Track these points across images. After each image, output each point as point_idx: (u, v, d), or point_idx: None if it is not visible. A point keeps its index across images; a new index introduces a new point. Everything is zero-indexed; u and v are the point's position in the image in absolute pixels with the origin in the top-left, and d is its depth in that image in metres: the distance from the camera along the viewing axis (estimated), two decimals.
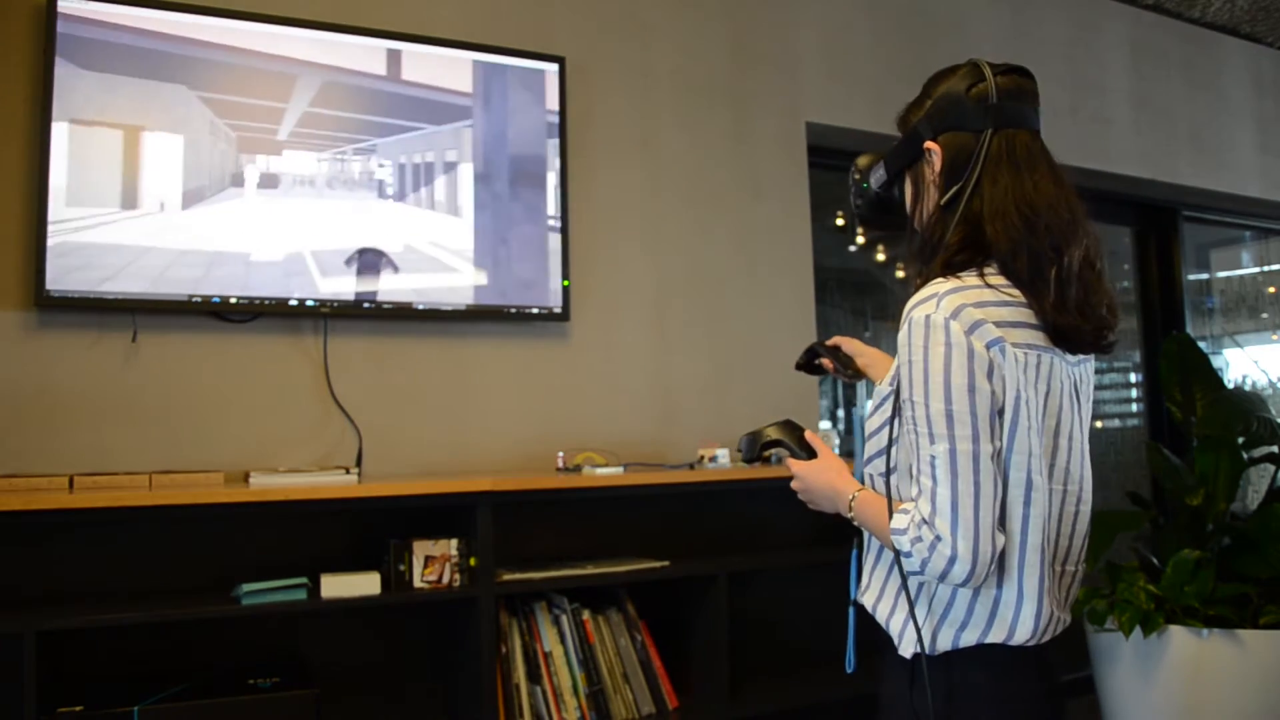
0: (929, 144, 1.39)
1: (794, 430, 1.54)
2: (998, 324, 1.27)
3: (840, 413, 3.92)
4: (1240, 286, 5.27)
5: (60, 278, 2.28)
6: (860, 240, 4.07)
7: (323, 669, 2.35)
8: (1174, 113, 4.50)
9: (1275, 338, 5.28)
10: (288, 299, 2.51)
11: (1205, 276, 5.11)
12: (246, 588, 2.12)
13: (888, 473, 1.34)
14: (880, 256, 4.11)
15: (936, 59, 1.53)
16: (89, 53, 2.33)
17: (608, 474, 2.57)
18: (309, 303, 2.54)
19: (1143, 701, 2.89)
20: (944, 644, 1.32)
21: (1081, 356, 1.37)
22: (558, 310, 2.85)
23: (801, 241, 3.39)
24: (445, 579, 2.29)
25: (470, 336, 2.80)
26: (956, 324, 1.26)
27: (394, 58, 2.69)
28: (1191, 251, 4.77)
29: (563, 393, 2.91)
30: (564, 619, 2.50)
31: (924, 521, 1.24)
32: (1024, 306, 1.30)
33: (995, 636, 1.31)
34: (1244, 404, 3.22)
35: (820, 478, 1.45)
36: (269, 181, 2.52)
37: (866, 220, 1.56)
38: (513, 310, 2.80)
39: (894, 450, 1.33)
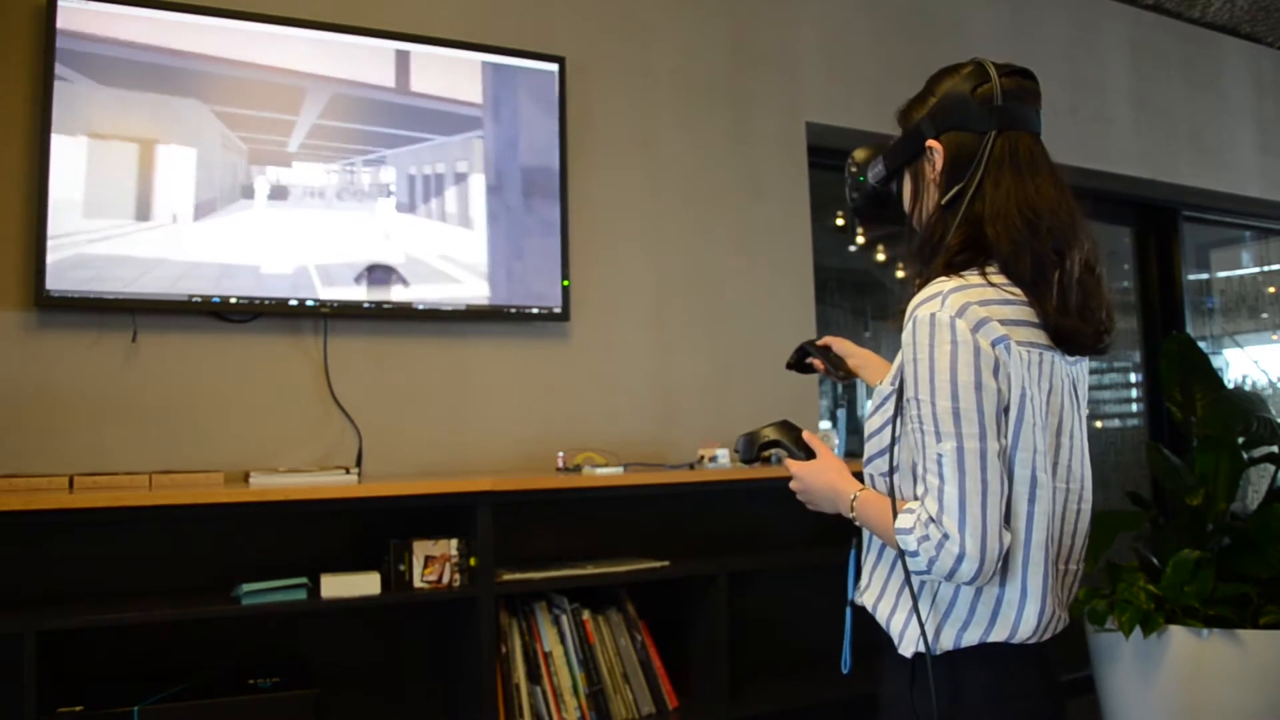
0: (931, 142, 1.39)
1: (791, 430, 1.52)
2: (1002, 322, 1.27)
3: (840, 412, 3.92)
4: (1240, 286, 5.27)
5: (60, 278, 2.28)
6: (860, 240, 4.06)
7: (323, 669, 2.35)
8: (1174, 113, 4.50)
9: (1275, 338, 5.28)
10: (288, 299, 2.51)
11: (1205, 276, 5.11)
12: (246, 588, 2.12)
13: (890, 472, 1.33)
14: (880, 256, 4.11)
15: (936, 59, 1.53)
16: (107, 69, 2.35)
17: (608, 474, 2.57)
18: (309, 303, 2.54)
19: (1143, 701, 2.89)
20: (946, 643, 1.32)
21: (1078, 356, 1.37)
22: (557, 310, 2.85)
23: (801, 241, 3.39)
24: (445, 579, 2.29)
25: (470, 336, 2.79)
26: (962, 322, 1.26)
27: (402, 68, 2.69)
28: (1191, 251, 4.76)
29: (563, 393, 2.91)
30: (564, 619, 2.50)
31: (931, 520, 1.24)
32: (1025, 305, 1.31)
33: (998, 635, 1.31)
34: (1244, 404, 3.22)
35: (820, 478, 1.45)
36: (279, 193, 2.53)
37: (861, 213, 1.56)
38: (512, 310, 2.79)
39: (896, 449, 1.33)
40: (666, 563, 2.60)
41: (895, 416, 1.33)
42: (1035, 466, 1.28)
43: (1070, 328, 1.31)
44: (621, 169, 3.08)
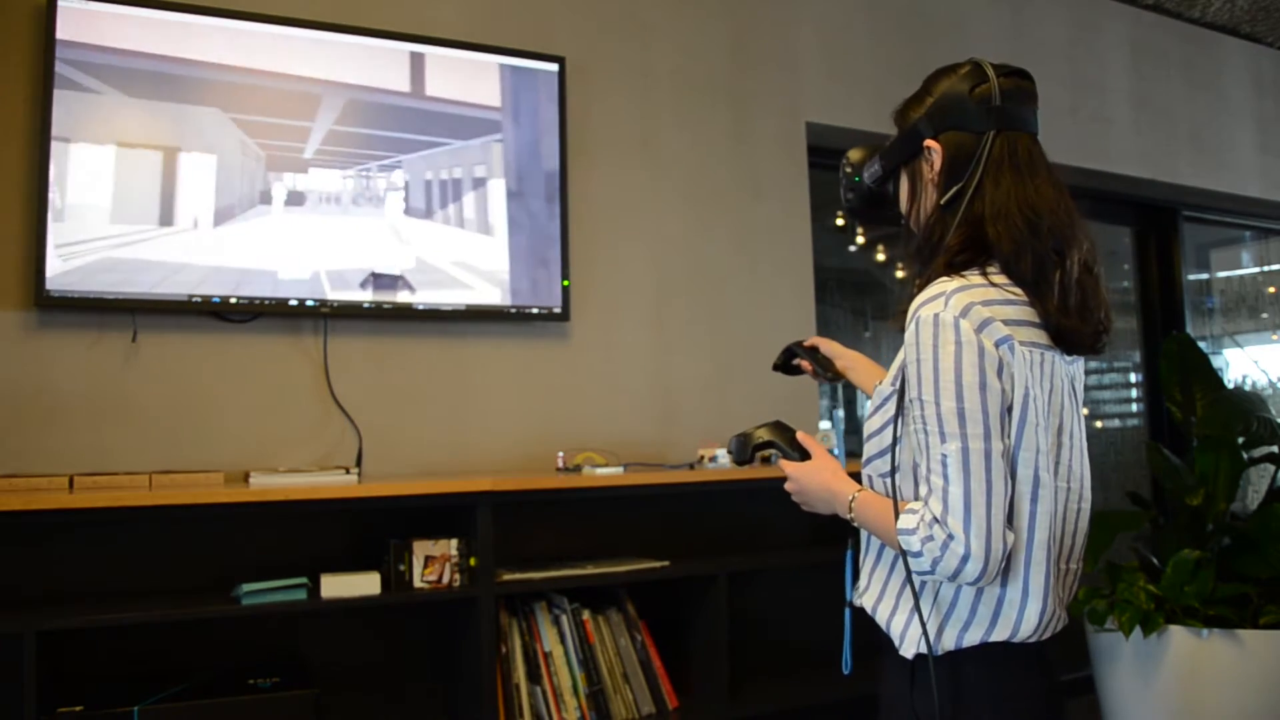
0: (929, 142, 1.39)
1: (785, 431, 1.50)
2: (1005, 322, 1.27)
3: (839, 413, 3.92)
4: (1240, 286, 5.27)
5: (89, 280, 2.31)
6: (860, 240, 4.07)
7: (323, 669, 2.35)
8: (1174, 113, 4.50)
9: (1275, 338, 5.28)
10: (288, 299, 2.51)
11: (1205, 276, 5.11)
12: (246, 588, 2.12)
13: (891, 473, 1.33)
14: (880, 256, 4.11)
15: (936, 59, 1.53)
16: (133, 80, 2.38)
17: (608, 474, 2.57)
18: (309, 302, 2.54)
19: (1142, 701, 2.89)
20: (948, 644, 1.32)
21: (1076, 356, 1.37)
22: (558, 310, 2.85)
23: (801, 241, 3.39)
24: (445, 579, 2.29)
25: (470, 336, 2.80)
26: (966, 322, 1.26)
27: (417, 72, 2.70)
28: (1191, 251, 4.76)
29: (563, 393, 2.91)
30: (564, 619, 2.50)
31: (935, 520, 1.24)
32: (1027, 305, 1.31)
33: (999, 635, 1.30)
34: (1244, 404, 3.22)
35: (815, 479, 1.44)
36: (295, 199, 2.54)
37: (856, 213, 1.56)
38: (513, 310, 2.80)
39: (897, 450, 1.33)
40: (666, 563, 2.60)
41: (896, 417, 1.33)
42: (1038, 466, 1.28)
43: (1070, 327, 1.31)
44: (621, 169, 3.08)
